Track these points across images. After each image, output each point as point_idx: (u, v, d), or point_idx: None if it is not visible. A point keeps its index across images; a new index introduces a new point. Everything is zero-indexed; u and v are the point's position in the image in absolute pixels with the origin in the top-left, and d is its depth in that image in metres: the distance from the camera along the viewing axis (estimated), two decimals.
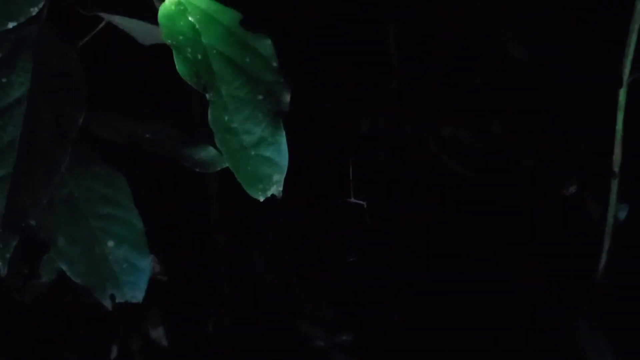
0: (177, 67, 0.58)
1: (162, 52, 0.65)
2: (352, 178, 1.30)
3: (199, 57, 0.60)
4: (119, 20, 0.74)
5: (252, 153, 0.61)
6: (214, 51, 0.62)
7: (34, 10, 0.54)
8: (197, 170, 0.80)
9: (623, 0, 0.76)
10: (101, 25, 0.76)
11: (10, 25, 0.53)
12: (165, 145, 0.80)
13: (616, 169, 0.79)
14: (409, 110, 1.16)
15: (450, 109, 1.15)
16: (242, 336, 1.61)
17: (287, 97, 0.64)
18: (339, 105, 1.18)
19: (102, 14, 0.76)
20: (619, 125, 0.77)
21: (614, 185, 0.81)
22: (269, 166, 0.62)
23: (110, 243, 0.68)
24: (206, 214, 1.39)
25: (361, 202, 1.30)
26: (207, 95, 0.59)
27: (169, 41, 0.58)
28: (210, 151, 0.81)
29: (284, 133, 0.62)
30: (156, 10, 0.62)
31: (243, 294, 1.54)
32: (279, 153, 0.62)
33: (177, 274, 1.54)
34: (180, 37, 0.59)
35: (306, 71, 1.33)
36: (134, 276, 0.68)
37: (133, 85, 0.92)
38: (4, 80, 0.60)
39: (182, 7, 0.61)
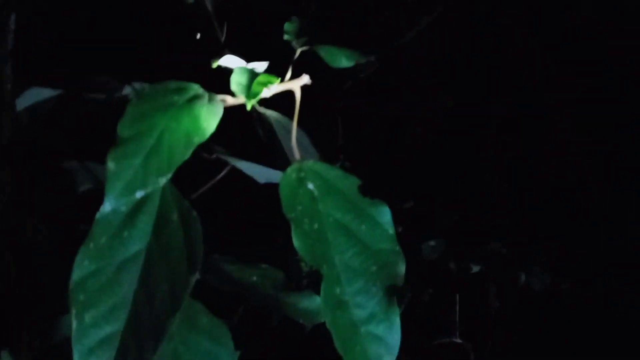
0: (294, 241, 0.57)
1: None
2: (458, 317, 1.23)
3: (315, 226, 0.59)
4: (243, 165, 0.75)
5: (362, 330, 0.58)
6: (330, 219, 0.61)
7: (162, 181, 0.55)
8: (300, 321, 0.78)
9: None
10: (226, 171, 0.77)
11: (139, 195, 0.55)
12: (269, 290, 0.79)
13: None
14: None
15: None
16: None
17: (403, 269, 0.61)
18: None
19: (227, 158, 0.78)
20: None
21: None
22: (379, 346, 0.58)
23: None
24: None
25: (467, 342, 1.23)
26: (321, 269, 0.57)
27: (289, 215, 0.57)
28: (315, 300, 0.79)
29: (397, 310, 0.59)
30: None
31: None
32: (391, 331, 0.59)
33: None
34: (299, 208, 0.59)
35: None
36: None
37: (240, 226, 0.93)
38: (125, 233, 0.62)
39: (302, 175, 0.61)
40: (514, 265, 1.09)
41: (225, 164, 0.78)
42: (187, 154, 0.55)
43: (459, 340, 1.22)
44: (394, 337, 0.59)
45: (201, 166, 0.78)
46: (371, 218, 0.62)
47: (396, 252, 0.62)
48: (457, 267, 1.17)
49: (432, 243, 1.13)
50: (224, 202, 0.89)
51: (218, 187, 0.81)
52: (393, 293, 0.60)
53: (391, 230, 0.63)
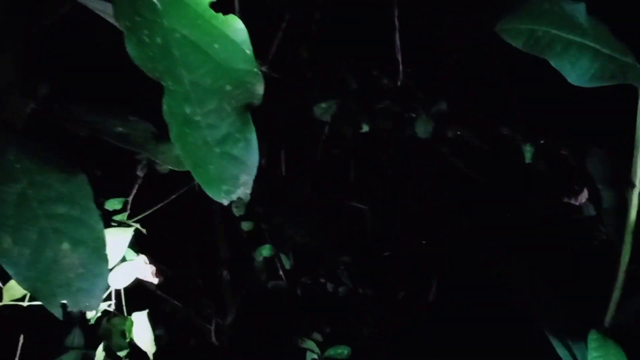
0: (128, 49, 0.51)
1: None
2: (353, 180, 1.23)
3: (158, 40, 0.54)
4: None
5: (217, 150, 0.54)
6: (177, 35, 0.55)
7: None
8: (172, 168, 0.73)
9: None
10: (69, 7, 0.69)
11: None
12: (138, 140, 0.74)
13: (636, 180, 0.70)
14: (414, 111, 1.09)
15: (457, 110, 1.08)
16: (240, 342, 1.54)
17: (260, 89, 0.57)
18: (340, 103, 1.11)
19: None
20: (639, 131, 0.68)
21: (634, 197, 0.72)
22: (235, 165, 0.55)
23: (65, 246, 0.62)
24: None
25: (362, 206, 1.23)
26: (165, 84, 0.52)
27: (123, 22, 0.51)
28: None
29: (253, 129, 0.55)
30: None
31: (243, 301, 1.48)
32: (248, 151, 0.55)
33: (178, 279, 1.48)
34: (137, 19, 0.53)
35: (307, 66, 1.26)
36: (89, 282, 0.62)
37: (105, 74, 0.85)
38: None
39: None
40: (402, 120, 1.08)
41: None
42: None
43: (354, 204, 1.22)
44: (252, 157, 0.55)
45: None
46: (225, 36, 0.57)
47: (254, 73, 0.57)
48: (352, 130, 1.15)
49: (324, 105, 1.10)
50: (77, 46, 0.81)
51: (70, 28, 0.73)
52: (248, 113, 0.56)
53: (248, 50, 0.58)
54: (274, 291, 1.18)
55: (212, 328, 1.55)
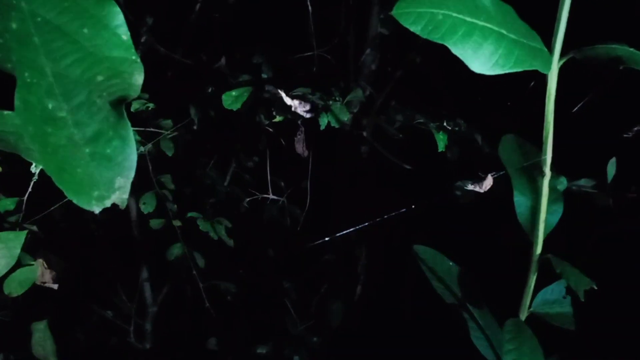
0: None
1: None
2: (270, 171, 1.18)
3: (13, 26, 0.47)
4: None
5: (87, 151, 0.48)
6: (38, 19, 0.48)
7: None
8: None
9: None
10: None
11: None
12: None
13: (546, 169, 0.68)
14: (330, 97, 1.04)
15: (375, 98, 1.04)
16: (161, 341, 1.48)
17: (139, 79, 0.51)
18: (254, 92, 1.05)
19: None
20: (549, 117, 0.66)
21: (544, 185, 0.71)
22: (109, 167, 0.48)
23: None
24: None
25: (281, 198, 1.19)
26: (19, 76, 0.46)
27: None
28: None
29: (129, 125, 0.49)
30: None
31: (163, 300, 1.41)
32: (124, 150, 0.49)
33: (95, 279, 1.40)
34: None
35: (221, 54, 1.20)
36: None
37: None
38: None
39: None
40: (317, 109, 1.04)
41: None
42: None
43: (272, 197, 1.17)
44: (128, 156, 0.49)
45: None
46: (96, 20, 0.51)
47: (132, 61, 0.51)
48: (267, 120, 1.10)
49: (234, 93, 1.04)
50: None
51: None
52: (122, 108, 0.50)
53: (125, 36, 0.52)
54: (191, 291, 1.12)
55: (131, 329, 1.48)
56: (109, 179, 0.49)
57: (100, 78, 0.50)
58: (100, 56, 0.50)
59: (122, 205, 0.49)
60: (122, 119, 0.50)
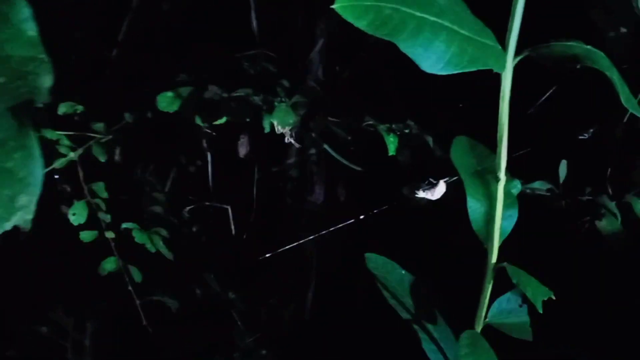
0: None
1: None
2: (213, 178, 1.12)
3: None
4: None
5: None
6: None
7: None
8: None
9: None
10: None
11: None
12: None
13: (500, 173, 0.65)
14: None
15: (325, 99, 1.00)
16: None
17: (48, 80, 0.45)
18: (193, 92, 0.99)
19: None
20: (503, 118, 0.62)
21: (499, 191, 0.67)
22: (10, 183, 0.42)
23: None
24: None
25: (225, 206, 1.13)
26: None
27: None
28: None
29: (33, 135, 0.43)
30: None
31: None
32: (28, 163, 0.43)
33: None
34: None
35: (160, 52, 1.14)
36: None
37: None
38: None
39: None
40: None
41: None
42: None
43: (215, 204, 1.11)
44: (33, 170, 0.43)
45: None
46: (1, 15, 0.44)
47: (40, 60, 0.45)
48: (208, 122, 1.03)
49: (169, 94, 0.97)
50: None
51: None
52: (29, 114, 0.44)
53: (32, 32, 0.45)
54: (129, 306, 1.05)
55: (69, 345, 1.40)
56: (9, 197, 0.42)
57: (1, 80, 0.43)
58: (2, 56, 0.44)
59: (26, 227, 0.43)
60: (27, 128, 0.43)
